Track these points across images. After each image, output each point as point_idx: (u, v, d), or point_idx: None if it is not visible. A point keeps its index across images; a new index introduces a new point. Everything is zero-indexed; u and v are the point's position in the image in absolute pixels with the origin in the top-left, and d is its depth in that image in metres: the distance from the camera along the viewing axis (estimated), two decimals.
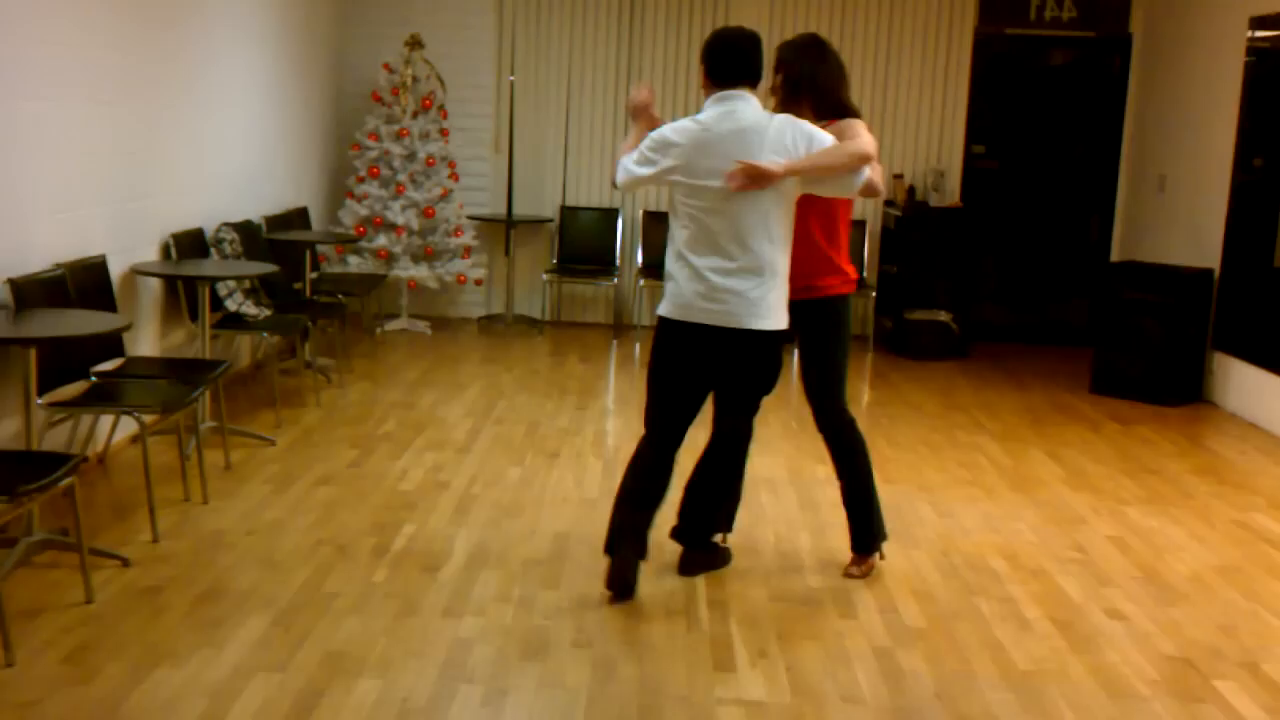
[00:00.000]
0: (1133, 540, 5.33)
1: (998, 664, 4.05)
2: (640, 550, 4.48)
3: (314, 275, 8.26)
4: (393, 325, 9.32)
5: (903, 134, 9.81)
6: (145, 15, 6.16)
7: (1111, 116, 9.80)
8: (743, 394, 4.61)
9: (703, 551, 4.76)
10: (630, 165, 4.43)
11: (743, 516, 5.27)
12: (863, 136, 4.37)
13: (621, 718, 3.58)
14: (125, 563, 4.53)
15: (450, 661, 3.86)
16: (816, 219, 4.53)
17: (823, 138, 4.30)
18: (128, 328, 4.57)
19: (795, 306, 4.50)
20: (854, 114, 4.58)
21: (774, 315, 4.36)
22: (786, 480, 5.96)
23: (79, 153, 5.52)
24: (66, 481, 4.04)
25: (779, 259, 4.34)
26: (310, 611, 4.19)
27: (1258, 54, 7.74)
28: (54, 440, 5.25)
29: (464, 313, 9.92)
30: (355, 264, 8.98)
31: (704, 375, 4.53)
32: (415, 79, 9.08)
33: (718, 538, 4.89)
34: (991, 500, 5.81)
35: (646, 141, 4.41)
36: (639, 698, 3.70)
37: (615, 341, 9.43)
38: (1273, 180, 7.50)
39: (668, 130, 4.38)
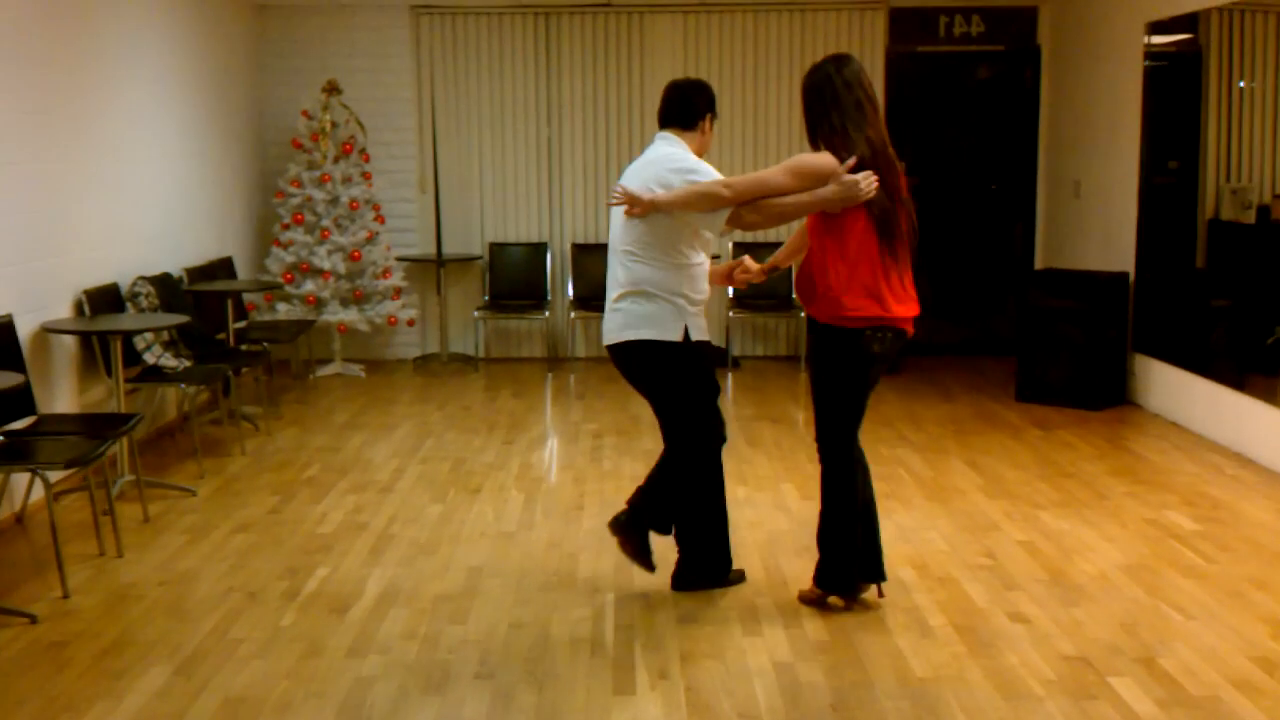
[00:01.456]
0: (1043, 544, 5.40)
1: (896, 672, 4.10)
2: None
3: (242, 324, 8.30)
4: (326, 370, 9.33)
5: None
6: (47, 72, 6.19)
7: (1027, 127, 9.95)
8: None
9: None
10: None
11: (656, 540, 5.32)
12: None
13: None
14: (33, 620, 4.53)
15: (349, 701, 3.88)
16: (817, 250, 4.58)
17: (695, 176, 4.48)
18: (20, 385, 4.56)
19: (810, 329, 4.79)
20: (820, 148, 4.56)
21: (636, 327, 4.60)
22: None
23: None
24: None
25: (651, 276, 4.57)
26: (214, 658, 4.21)
27: (1155, 58, 7.89)
28: None
29: (399, 354, 9.95)
30: (285, 310, 9.00)
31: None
32: (334, 124, 9.13)
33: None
34: (907, 511, 5.87)
35: None
36: None
37: (550, 375, 9.48)
38: (1184, 182, 7.62)
39: None
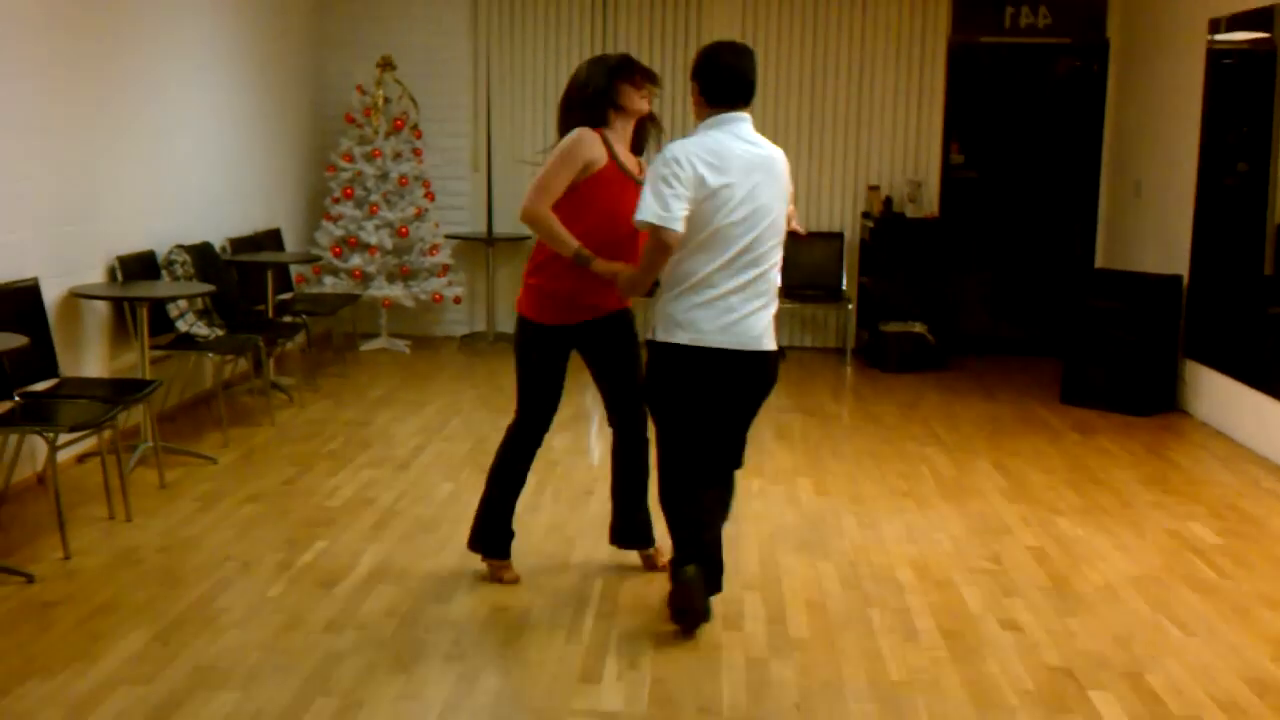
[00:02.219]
0: (1053, 550, 5.27)
1: (870, 674, 4.02)
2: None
3: (287, 296, 8.38)
4: (372, 344, 9.41)
5: (878, 145, 9.78)
6: (94, 40, 6.28)
7: (1092, 123, 9.71)
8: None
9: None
10: None
11: (658, 528, 5.28)
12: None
13: None
14: (29, 579, 4.61)
15: (315, 674, 3.90)
16: None
17: None
18: (23, 346, 4.64)
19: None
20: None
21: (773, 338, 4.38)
22: None
23: (9, 179, 5.64)
24: None
25: None
26: (194, 626, 4.25)
27: (1224, 56, 7.65)
28: None
29: (447, 331, 10.00)
30: (331, 284, 9.08)
31: None
32: (387, 100, 9.19)
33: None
34: (920, 511, 5.77)
35: None
36: (493, 710, 3.73)
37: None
38: (1253, 184, 7.36)
39: None
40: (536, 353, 4.65)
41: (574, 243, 4.40)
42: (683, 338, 4.23)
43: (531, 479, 6.05)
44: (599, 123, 4.51)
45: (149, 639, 4.13)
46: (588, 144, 4.45)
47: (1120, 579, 4.95)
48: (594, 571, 4.89)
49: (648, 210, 4.10)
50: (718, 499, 4.56)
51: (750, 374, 4.31)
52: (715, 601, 4.45)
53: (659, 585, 4.72)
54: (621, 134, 4.58)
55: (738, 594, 4.67)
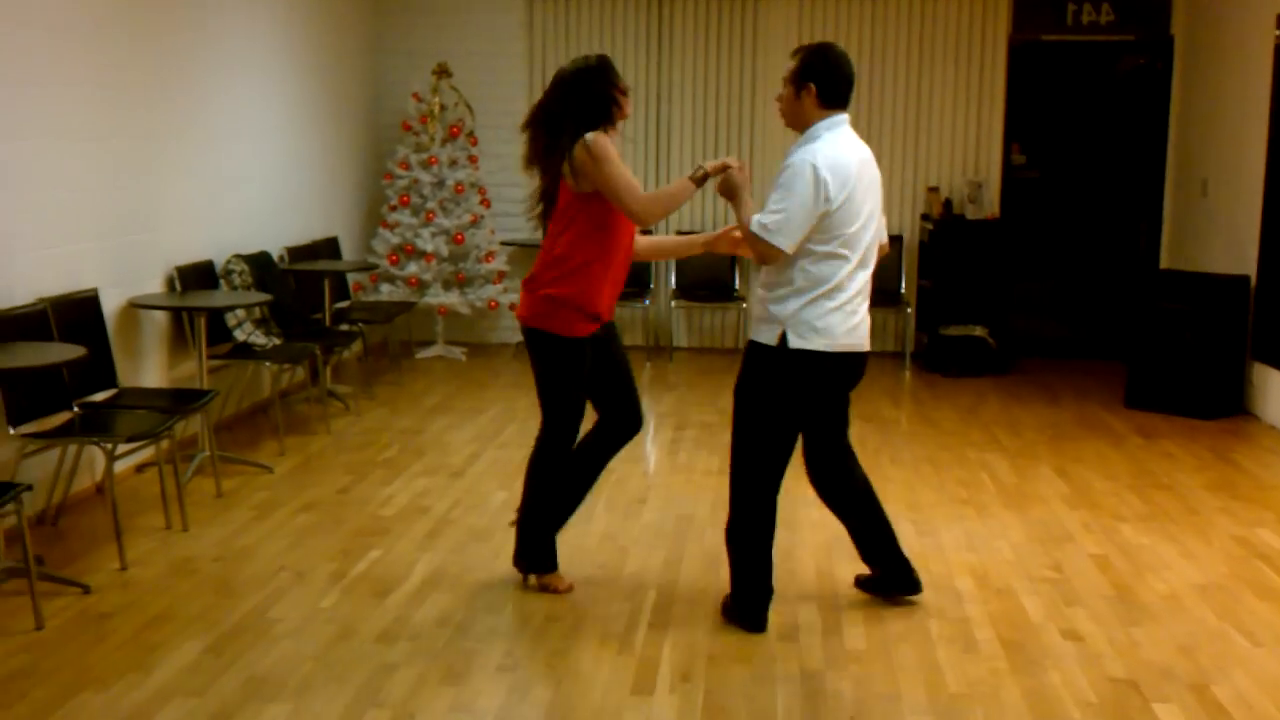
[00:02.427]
0: (1116, 558, 5.16)
1: (928, 686, 3.95)
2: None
3: (344, 304, 8.42)
4: (428, 352, 9.43)
5: (938, 146, 9.66)
6: (154, 53, 6.35)
7: (1157, 122, 9.53)
8: None
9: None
10: None
11: (713, 537, 5.27)
12: None
13: None
14: (86, 590, 4.64)
15: (367, 686, 3.89)
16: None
17: None
18: (81, 358, 4.68)
19: None
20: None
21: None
22: None
23: (69, 189, 5.70)
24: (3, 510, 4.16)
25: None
26: (248, 636, 4.26)
27: None
28: (43, 469, 5.41)
29: (502, 338, 10.00)
30: (388, 291, 9.11)
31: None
32: (443, 107, 9.21)
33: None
34: (980, 519, 5.67)
35: None
36: None
37: (648, 364, 9.42)
38: None
39: None
40: (573, 366, 4.59)
41: (687, 181, 4.47)
42: (819, 344, 4.21)
43: None
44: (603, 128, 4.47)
45: (203, 650, 4.15)
46: (612, 144, 4.46)
47: (1186, 587, 4.84)
48: (648, 582, 4.84)
49: (774, 229, 4.12)
50: (864, 489, 4.63)
51: (857, 374, 4.46)
52: (770, 613, 4.41)
53: (713, 595, 4.68)
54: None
55: (793, 605, 4.61)
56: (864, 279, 4.30)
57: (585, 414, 4.75)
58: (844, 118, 4.32)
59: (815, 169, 4.12)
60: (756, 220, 4.18)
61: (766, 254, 4.19)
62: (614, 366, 4.74)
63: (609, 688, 3.91)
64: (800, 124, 4.32)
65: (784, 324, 4.21)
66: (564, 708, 3.79)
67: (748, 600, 4.39)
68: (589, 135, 4.40)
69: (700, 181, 4.46)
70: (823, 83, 4.26)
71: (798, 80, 4.29)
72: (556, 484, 4.70)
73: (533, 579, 4.73)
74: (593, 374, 4.68)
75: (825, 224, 4.15)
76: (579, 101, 4.48)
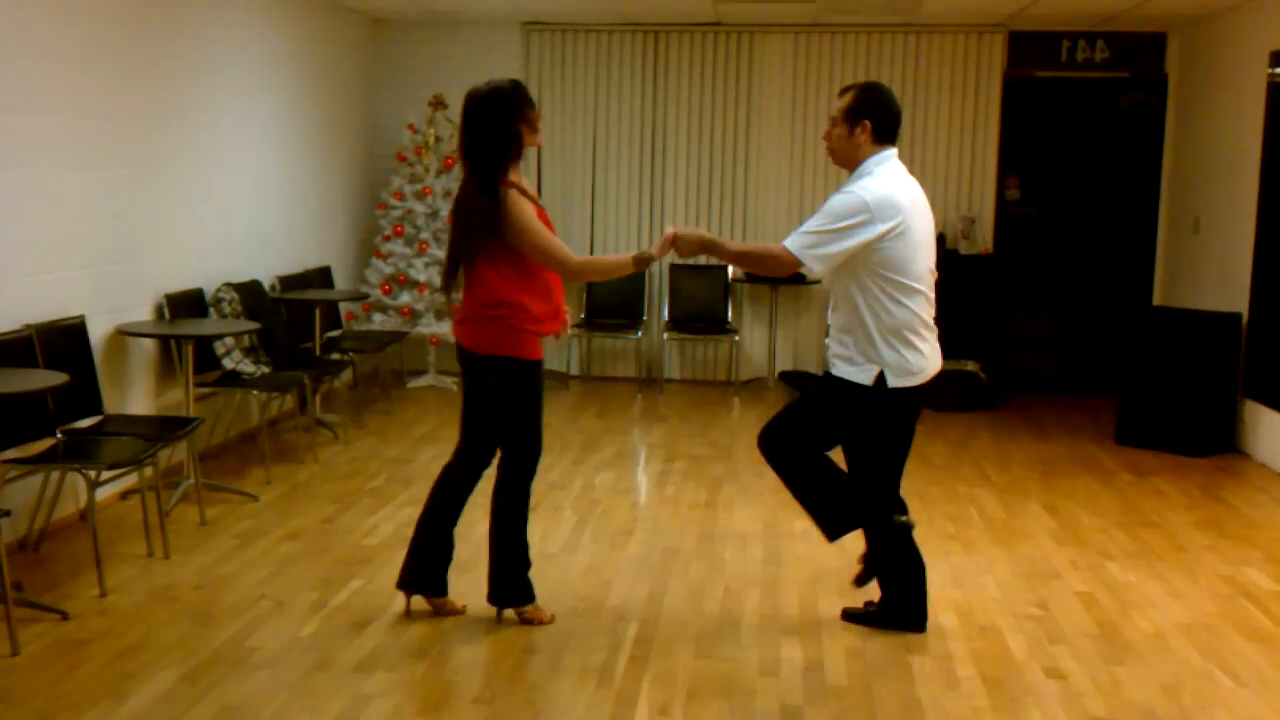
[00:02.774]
0: (1103, 596, 5.13)
1: None
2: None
3: (336, 333, 8.42)
4: (419, 381, 9.42)
5: (931, 181, 9.66)
6: (143, 81, 6.35)
7: (1150, 159, 9.55)
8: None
9: None
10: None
11: (698, 569, 5.26)
12: None
13: None
14: (64, 616, 4.61)
15: (342, 716, 3.86)
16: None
17: None
18: (63, 385, 4.66)
19: None
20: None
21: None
22: (759, 535, 5.87)
23: (59, 217, 5.70)
24: None
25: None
26: (224, 665, 4.23)
27: (1278, 89, 7.49)
28: (25, 495, 5.39)
29: None
30: (380, 321, 9.11)
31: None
32: (438, 138, 9.23)
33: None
34: (967, 554, 5.64)
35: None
36: None
37: (640, 395, 9.41)
38: None
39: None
40: (538, 388, 4.57)
41: (625, 255, 4.56)
42: (914, 381, 4.38)
43: (571, 518, 6.07)
44: (511, 161, 4.41)
45: (178, 678, 4.11)
46: (526, 202, 4.41)
47: (1171, 626, 4.81)
48: (630, 614, 4.81)
49: (810, 247, 4.26)
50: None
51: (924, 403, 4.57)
52: (751, 647, 4.39)
53: (694, 629, 4.65)
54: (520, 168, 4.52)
55: (775, 639, 4.58)
56: (931, 309, 4.45)
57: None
58: (893, 152, 4.42)
59: (866, 203, 4.24)
60: (794, 237, 4.31)
61: (794, 264, 4.32)
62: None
63: None
64: (851, 161, 4.43)
65: (881, 365, 4.33)
66: None
67: (913, 605, 4.62)
68: (509, 194, 4.34)
69: (641, 264, 4.47)
70: (877, 119, 4.38)
71: (852, 117, 4.39)
72: (522, 512, 4.64)
73: (510, 612, 4.70)
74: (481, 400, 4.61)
75: (890, 260, 4.28)
76: (482, 135, 4.39)
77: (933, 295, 4.45)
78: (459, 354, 4.61)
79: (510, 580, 4.67)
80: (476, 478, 4.70)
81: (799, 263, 4.32)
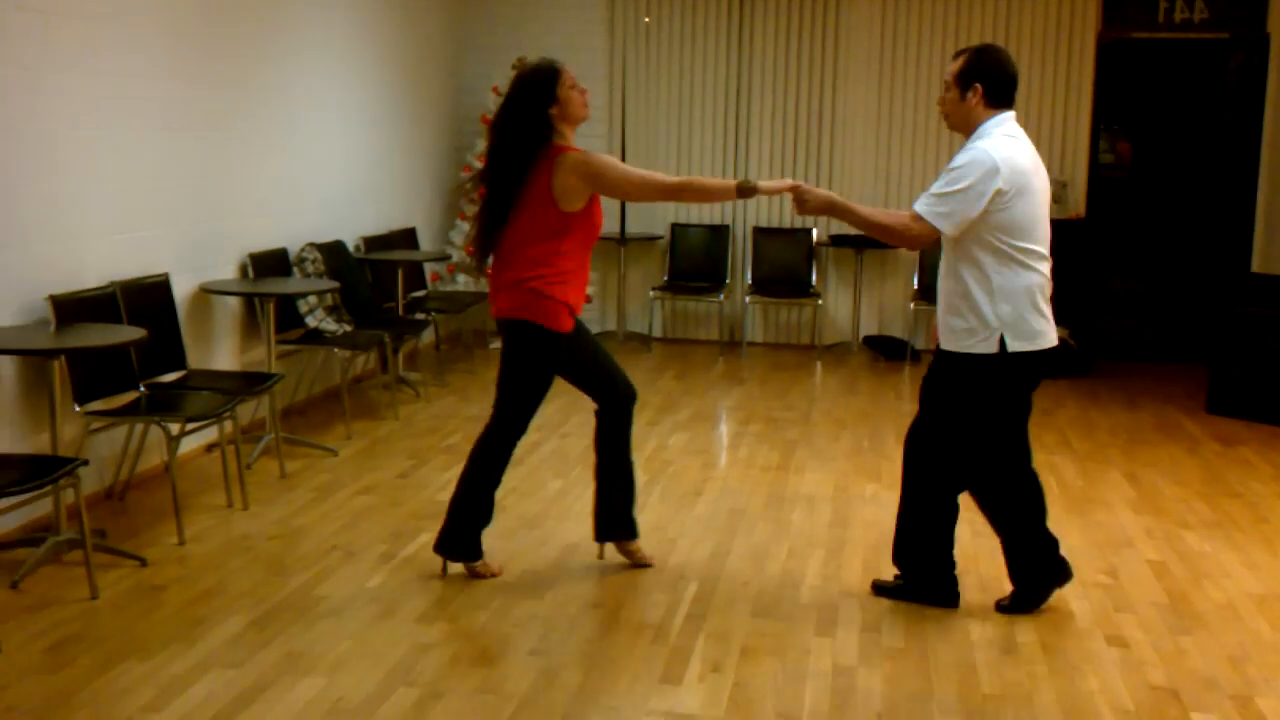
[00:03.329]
0: (1175, 565, 5.04)
1: (962, 687, 3.90)
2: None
3: (420, 294, 8.54)
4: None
5: None
6: (230, 43, 6.49)
7: (1250, 120, 9.27)
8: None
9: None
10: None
11: (763, 530, 5.28)
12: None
13: None
14: (143, 563, 4.77)
15: (400, 664, 3.94)
16: None
17: None
18: (142, 340, 4.80)
19: None
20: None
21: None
22: (828, 498, 5.86)
23: (142, 177, 5.85)
24: (60, 484, 4.29)
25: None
26: (292, 613, 4.34)
27: None
28: (112, 447, 5.57)
29: None
30: (464, 282, 9.21)
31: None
32: None
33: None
34: None
35: None
36: (569, 706, 3.71)
37: (721, 358, 9.41)
38: None
39: None
40: (548, 359, 4.60)
41: (730, 181, 4.54)
42: (1041, 343, 4.30)
43: (642, 477, 6.08)
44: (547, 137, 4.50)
45: (247, 624, 4.24)
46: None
47: (1243, 597, 4.71)
48: (691, 573, 4.84)
49: (943, 212, 4.18)
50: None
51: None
52: (809, 608, 4.41)
53: (754, 590, 4.67)
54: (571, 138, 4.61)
55: (834, 601, 4.58)
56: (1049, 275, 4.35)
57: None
58: (1010, 115, 4.32)
59: (994, 161, 4.15)
60: (922, 200, 4.25)
61: (924, 235, 4.26)
62: (593, 350, 4.78)
63: (638, 676, 3.92)
64: (966, 125, 4.35)
65: (1001, 330, 4.23)
66: (590, 693, 3.80)
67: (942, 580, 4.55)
68: (574, 157, 4.44)
69: (745, 193, 4.47)
70: (989, 82, 4.29)
71: (963, 81, 4.32)
72: (492, 475, 4.70)
73: (458, 566, 4.74)
74: (579, 364, 4.70)
75: (1010, 224, 4.18)
76: (515, 121, 4.53)
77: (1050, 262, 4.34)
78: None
79: (459, 535, 4.71)
80: (625, 420, 4.88)
81: (935, 232, 4.22)
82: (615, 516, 4.86)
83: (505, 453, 4.71)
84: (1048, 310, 4.32)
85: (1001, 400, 4.38)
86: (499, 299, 4.61)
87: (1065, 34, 9.38)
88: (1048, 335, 4.32)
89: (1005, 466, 4.50)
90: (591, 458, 4.92)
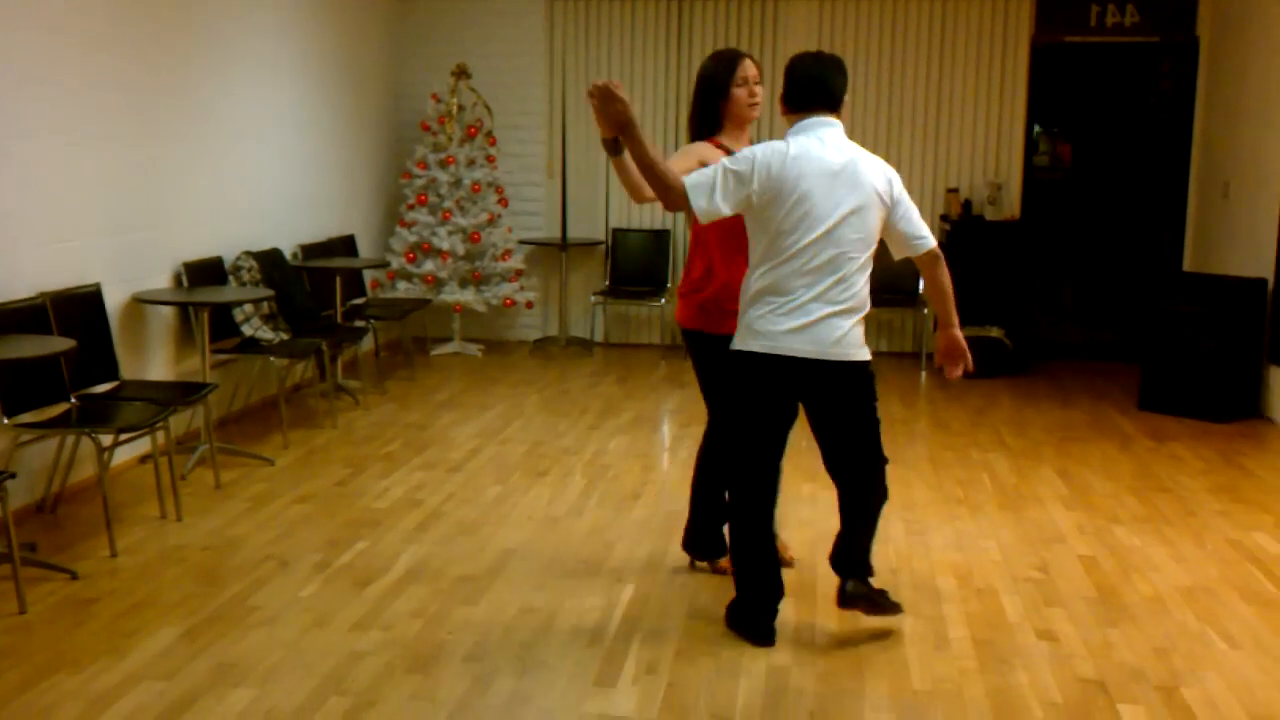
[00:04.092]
0: (1105, 560, 5.12)
1: (892, 684, 3.93)
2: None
3: (360, 301, 8.51)
4: (445, 349, 9.49)
5: (958, 147, 9.61)
6: (161, 52, 6.43)
7: (1180, 124, 9.43)
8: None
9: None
10: None
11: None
12: None
13: None
14: (73, 576, 4.72)
15: (333, 673, 3.93)
16: None
17: None
18: (70, 350, 4.75)
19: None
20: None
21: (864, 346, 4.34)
22: None
23: (78, 186, 5.79)
24: None
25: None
26: (224, 624, 4.31)
27: None
28: (43, 459, 5.51)
29: (520, 335, 10.06)
30: (404, 289, 9.19)
31: None
32: (461, 107, 9.27)
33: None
34: (973, 519, 5.64)
35: None
36: (503, 711, 3.72)
37: (663, 362, 9.44)
38: None
39: None
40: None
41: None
42: (756, 345, 4.10)
43: (580, 482, 6.12)
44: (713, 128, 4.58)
45: (178, 636, 4.20)
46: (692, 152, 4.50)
47: (1171, 590, 4.79)
48: (628, 576, 4.85)
49: (700, 190, 4.06)
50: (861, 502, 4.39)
51: (830, 381, 4.14)
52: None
53: (690, 591, 4.69)
54: (736, 140, 4.59)
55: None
56: (826, 284, 4.09)
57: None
58: (817, 121, 4.18)
59: (743, 155, 4.10)
60: (686, 179, 4.09)
61: (677, 204, 4.11)
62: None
63: (572, 678, 3.93)
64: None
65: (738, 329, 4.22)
66: (523, 697, 3.81)
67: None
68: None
69: (611, 147, 4.22)
70: (784, 89, 4.28)
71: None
72: (718, 476, 4.69)
73: (703, 564, 4.89)
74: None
75: (768, 223, 4.08)
76: (694, 111, 4.67)
77: (830, 278, 4.09)
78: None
79: (701, 533, 4.84)
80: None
81: (686, 200, 4.06)
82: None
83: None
84: (791, 318, 4.07)
85: (731, 394, 4.29)
86: (679, 307, 4.75)
87: (999, 38, 9.49)
88: (764, 341, 4.10)
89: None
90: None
